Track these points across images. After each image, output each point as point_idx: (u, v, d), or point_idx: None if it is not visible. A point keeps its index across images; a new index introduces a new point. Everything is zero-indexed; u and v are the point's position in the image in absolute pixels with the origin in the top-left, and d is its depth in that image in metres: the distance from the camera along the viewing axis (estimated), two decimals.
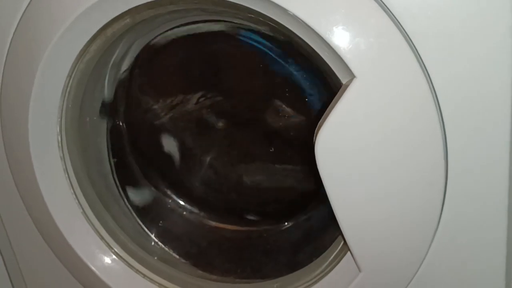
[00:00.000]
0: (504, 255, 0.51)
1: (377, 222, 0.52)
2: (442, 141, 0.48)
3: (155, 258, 0.75)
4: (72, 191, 0.68)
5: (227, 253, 0.79)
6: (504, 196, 0.49)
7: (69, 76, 0.62)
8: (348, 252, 0.57)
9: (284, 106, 0.73)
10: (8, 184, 0.69)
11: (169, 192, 0.83)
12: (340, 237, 0.60)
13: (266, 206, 0.81)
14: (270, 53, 0.71)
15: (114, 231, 0.72)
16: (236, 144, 0.80)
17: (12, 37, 0.61)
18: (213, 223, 0.82)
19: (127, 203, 0.78)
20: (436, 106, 0.47)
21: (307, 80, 0.71)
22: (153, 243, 0.78)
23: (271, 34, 0.64)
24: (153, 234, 0.79)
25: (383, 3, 0.46)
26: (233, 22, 0.65)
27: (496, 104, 0.47)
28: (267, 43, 0.69)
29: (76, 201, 0.68)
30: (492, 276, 0.53)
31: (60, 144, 0.66)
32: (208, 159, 0.81)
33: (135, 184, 0.81)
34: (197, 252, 0.79)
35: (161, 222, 0.81)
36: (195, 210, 0.83)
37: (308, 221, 0.77)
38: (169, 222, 0.81)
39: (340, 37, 0.47)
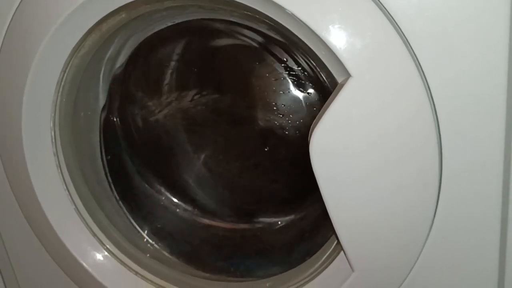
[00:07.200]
0: (497, 256, 0.51)
1: (370, 222, 0.52)
2: (437, 142, 0.48)
3: (148, 255, 0.74)
4: (65, 187, 0.68)
5: (220, 251, 0.79)
6: (498, 198, 0.49)
7: (64, 71, 0.62)
8: (341, 252, 0.57)
9: (279, 104, 0.73)
10: (0, 179, 0.69)
11: (162, 189, 0.83)
12: (333, 236, 0.59)
13: (260, 205, 0.81)
14: (266, 52, 0.71)
15: (107, 228, 0.72)
16: (230, 142, 0.80)
17: (6, 31, 0.60)
18: (206, 221, 0.82)
19: (120, 200, 0.78)
20: (431, 106, 0.47)
21: (303, 79, 0.71)
22: (145, 240, 0.78)
23: (267, 32, 0.64)
24: (146, 232, 0.78)
25: (380, 2, 0.46)
26: (230, 20, 0.65)
27: (491, 105, 0.47)
28: (264, 41, 0.69)
29: (69, 197, 0.68)
30: (485, 278, 0.53)
31: (53, 140, 0.66)
32: (202, 156, 0.81)
33: (129, 181, 0.81)
34: (190, 250, 0.78)
35: (154, 219, 0.80)
36: (189, 207, 0.83)
37: (301, 221, 0.77)
38: (162, 220, 0.81)
39: (337, 36, 0.46)
